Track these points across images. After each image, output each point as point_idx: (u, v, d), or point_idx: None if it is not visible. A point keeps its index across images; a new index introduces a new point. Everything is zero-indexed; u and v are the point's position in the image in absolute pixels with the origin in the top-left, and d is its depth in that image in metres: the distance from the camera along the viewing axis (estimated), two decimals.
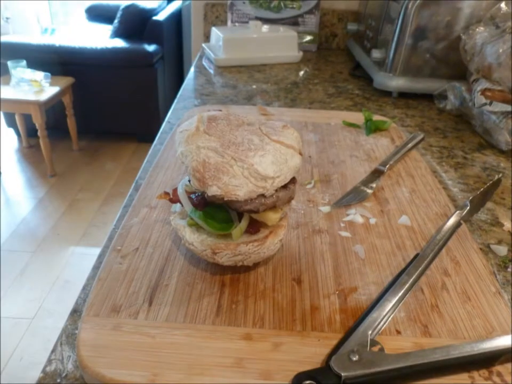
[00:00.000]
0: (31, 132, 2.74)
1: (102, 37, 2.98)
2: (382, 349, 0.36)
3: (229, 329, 0.38)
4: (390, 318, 0.40)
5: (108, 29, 3.16)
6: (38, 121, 2.38)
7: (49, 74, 2.48)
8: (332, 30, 1.50)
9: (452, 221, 0.52)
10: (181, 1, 3.13)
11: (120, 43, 2.77)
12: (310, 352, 0.36)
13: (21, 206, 2.36)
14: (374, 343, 0.36)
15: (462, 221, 0.53)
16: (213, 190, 0.38)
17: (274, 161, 0.40)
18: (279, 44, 1.27)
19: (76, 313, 0.41)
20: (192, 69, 1.19)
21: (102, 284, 0.42)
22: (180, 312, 0.40)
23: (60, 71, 2.64)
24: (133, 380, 0.33)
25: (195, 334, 0.37)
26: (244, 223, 0.42)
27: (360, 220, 0.54)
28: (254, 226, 0.43)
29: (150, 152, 0.71)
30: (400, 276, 0.44)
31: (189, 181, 0.43)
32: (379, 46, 1.10)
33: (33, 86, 2.42)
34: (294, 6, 1.39)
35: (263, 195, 0.40)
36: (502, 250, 0.53)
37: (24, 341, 1.59)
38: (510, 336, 0.37)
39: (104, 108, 2.85)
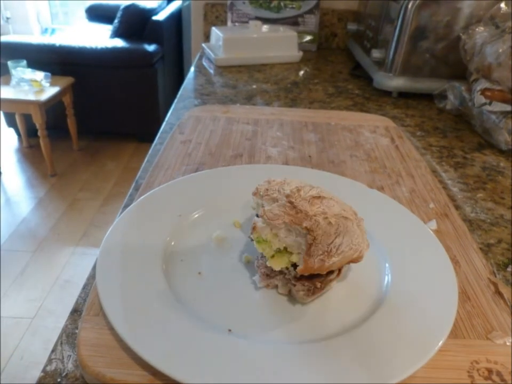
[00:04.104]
0: (31, 132, 2.74)
1: (102, 37, 2.98)
2: None
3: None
4: None
5: (108, 29, 3.16)
6: (38, 121, 2.38)
7: (49, 74, 2.48)
8: (331, 30, 1.50)
9: None
10: (180, 1, 3.13)
11: (120, 43, 2.76)
12: None
13: (21, 205, 2.36)
14: None
15: None
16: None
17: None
18: (279, 44, 1.27)
19: (76, 312, 0.41)
20: (192, 69, 1.19)
21: None
22: None
23: (60, 71, 2.64)
24: (133, 380, 0.33)
25: None
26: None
27: None
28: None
29: (150, 152, 0.71)
30: None
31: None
32: (379, 45, 1.10)
33: (34, 86, 2.42)
34: (294, 6, 1.39)
35: None
36: None
37: (25, 341, 1.59)
38: None
39: (104, 107, 2.85)
